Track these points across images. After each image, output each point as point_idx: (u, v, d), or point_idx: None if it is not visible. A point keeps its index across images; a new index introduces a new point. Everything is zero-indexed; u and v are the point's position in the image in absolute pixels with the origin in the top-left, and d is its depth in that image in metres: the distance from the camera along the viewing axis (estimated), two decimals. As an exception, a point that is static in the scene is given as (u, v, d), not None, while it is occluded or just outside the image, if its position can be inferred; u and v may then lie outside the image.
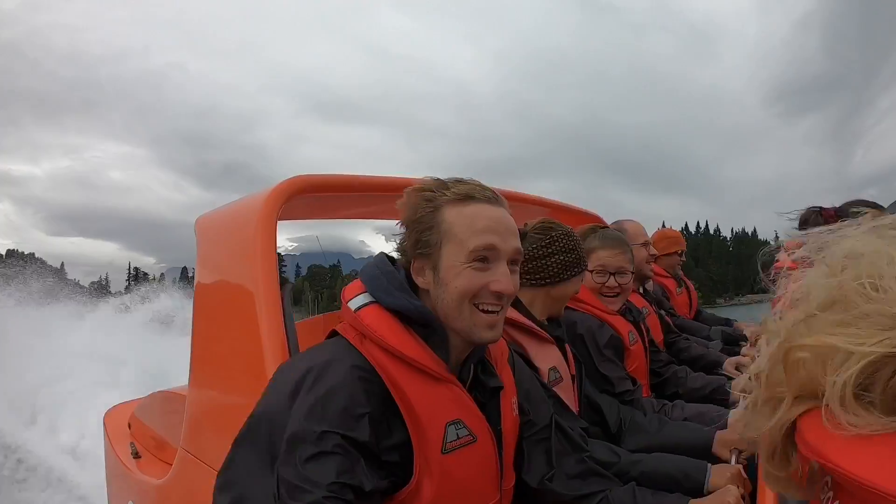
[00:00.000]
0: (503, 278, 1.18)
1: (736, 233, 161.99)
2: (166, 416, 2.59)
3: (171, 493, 2.13)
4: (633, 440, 1.85)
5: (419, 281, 1.22)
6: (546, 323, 1.86)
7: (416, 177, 1.38)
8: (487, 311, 1.18)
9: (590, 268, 2.22)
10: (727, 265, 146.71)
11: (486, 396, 1.27)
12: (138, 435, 2.86)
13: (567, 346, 1.92)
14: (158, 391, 2.85)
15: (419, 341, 1.17)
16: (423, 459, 1.11)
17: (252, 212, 1.74)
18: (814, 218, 2.28)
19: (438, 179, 1.25)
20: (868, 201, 2.25)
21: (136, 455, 2.71)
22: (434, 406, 1.14)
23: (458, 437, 1.16)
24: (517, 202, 2.90)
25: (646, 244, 3.00)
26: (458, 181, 1.24)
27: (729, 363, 2.71)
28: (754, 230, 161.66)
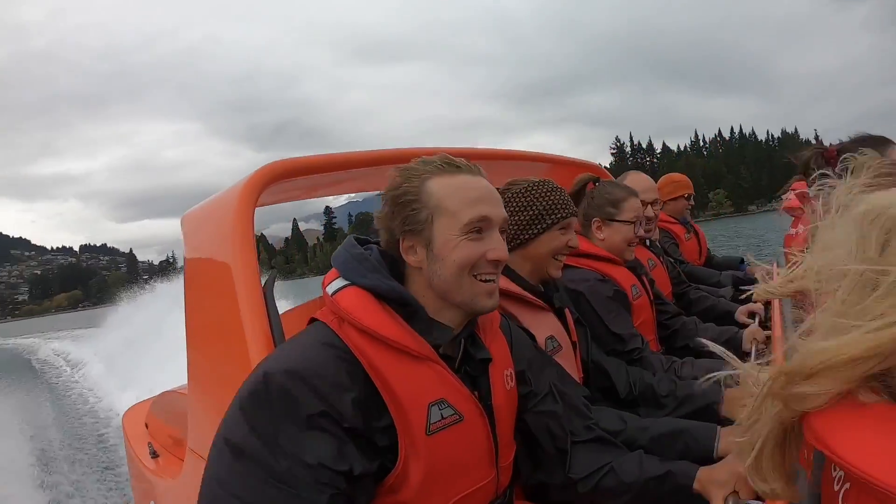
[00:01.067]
0: (499, 246, 1.19)
1: (774, 136, 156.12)
2: (179, 414, 2.58)
3: (185, 491, 2.10)
4: (646, 413, 1.77)
5: (410, 260, 1.19)
6: (541, 289, 1.79)
7: (400, 147, 1.34)
8: (486, 280, 1.19)
9: (627, 218, 2.21)
10: (761, 170, 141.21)
11: (477, 371, 1.24)
12: (155, 434, 2.88)
13: (567, 313, 1.86)
14: (171, 389, 2.87)
15: (398, 320, 1.14)
16: (408, 442, 1.09)
17: (229, 204, 1.71)
18: (815, 159, 2.17)
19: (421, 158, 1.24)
20: (876, 136, 2.12)
21: (155, 455, 2.72)
22: (415, 387, 1.11)
23: (443, 418, 1.13)
24: (518, 160, 2.82)
25: (655, 201, 2.89)
26: (445, 156, 1.22)
27: (741, 312, 2.64)
28: (795, 130, 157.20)
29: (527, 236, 1.77)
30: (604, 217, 2.23)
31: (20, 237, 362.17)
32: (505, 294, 1.64)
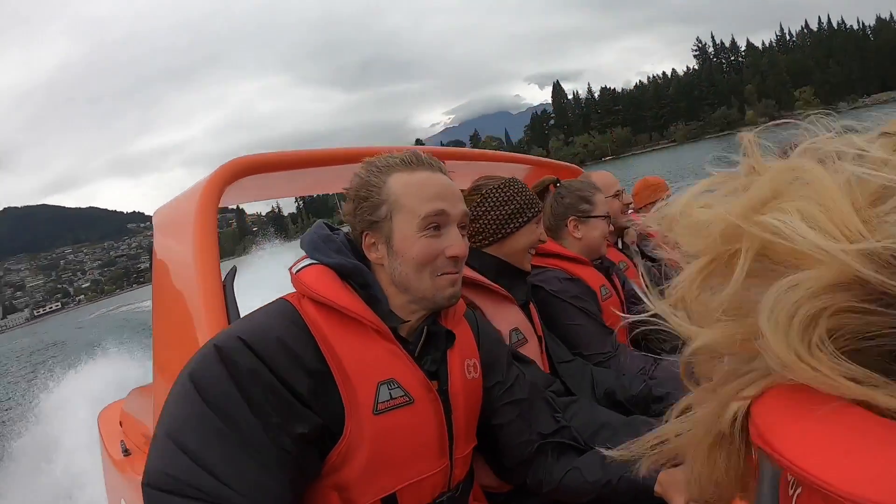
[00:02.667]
0: (457, 242, 1.20)
1: (866, 24, 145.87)
2: (150, 408, 2.55)
3: None
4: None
5: (372, 257, 1.20)
6: (507, 281, 1.80)
7: (365, 146, 1.36)
8: (445, 275, 1.20)
9: (601, 213, 2.23)
10: (852, 62, 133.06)
11: (439, 358, 1.24)
12: (129, 432, 2.82)
13: (532, 307, 1.86)
14: (148, 384, 2.82)
15: (357, 297, 1.15)
16: (354, 419, 1.08)
17: (192, 200, 1.71)
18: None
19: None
20: None
21: (126, 452, 2.66)
22: (366, 365, 1.10)
23: (392, 398, 1.12)
24: (493, 161, 2.85)
25: (618, 194, 2.88)
26: (407, 152, 1.24)
27: None
28: (891, 16, 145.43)
29: (507, 231, 1.79)
30: (579, 215, 2.23)
31: (133, 211, 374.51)
32: (470, 283, 1.65)
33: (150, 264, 2.05)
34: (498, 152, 2.93)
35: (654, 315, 0.45)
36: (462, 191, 1.36)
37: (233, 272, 1.66)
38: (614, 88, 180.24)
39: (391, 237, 1.17)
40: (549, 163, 3.16)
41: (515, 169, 2.96)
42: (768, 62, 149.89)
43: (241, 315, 1.49)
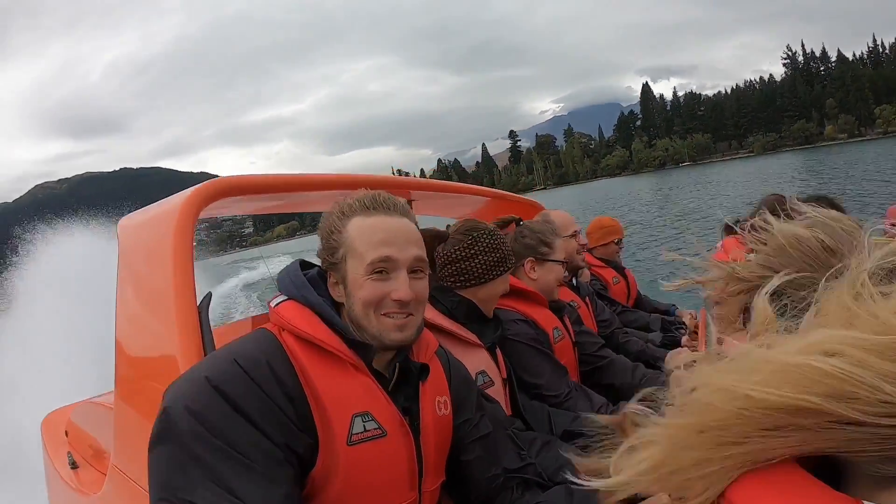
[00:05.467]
0: (402, 287, 1.23)
1: None
2: (103, 423, 2.51)
3: None
4: None
5: (335, 294, 1.27)
6: (476, 325, 1.85)
7: (341, 174, 1.38)
8: (392, 317, 1.23)
9: (559, 258, 2.29)
10: None
11: (411, 394, 1.29)
12: (75, 443, 2.77)
13: (498, 350, 1.91)
14: (96, 396, 2.83)
15: (330, 330, 1.20)
16: (328, 449, 1.13)
17: (169, 219, 1.71)
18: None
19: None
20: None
21: (74, 465, 2.62)
22: (342, 397, 1.16)
23: (366, 430, 1.17)
24: (457, 192, 2.81)
25: (575, 234, 2.97)
26: (368, 195, 1.29)
27: (669, 358, 2.60)
28: None
29: (490, 276, 1.84)
30: (537, 257, 2.27)
31: None
32: (437, 329, 1.69)
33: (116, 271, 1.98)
34: (461, 184, 2.95)
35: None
36: (433, 231, 1.51)
37: (208, 298, 1.65)
38: (700, 94, 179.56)
39: (346, 278, 1.24)
40: (510, 196, 3.22)
41: (476, 201, 2.93)
42: (851, 76, 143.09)
43: (214, 339, 1.55)
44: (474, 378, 1.68)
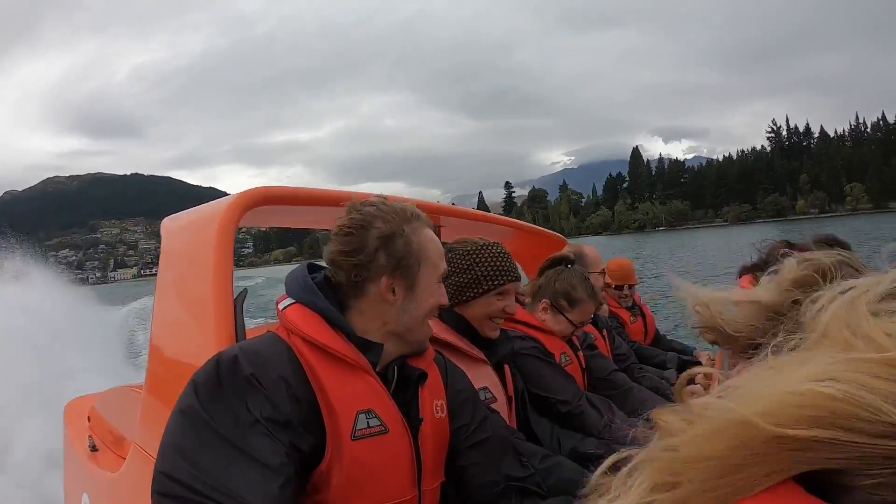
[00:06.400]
0: (445, 294, 1.40)
1: None
2: (125, 412, 2.60)
3: (124, 487, 2.16)
4: None
5: (388, 297, 1.30)
6: (482, 342, 1.87)
7: (381, 193, 1.49)
8: (430, 324, 1.38)
9: (574, 319, 2.26)
10: None
11: (409, 396, 1.35)
12: (97, 429, 2.87)
13: (507, 368, 1.93)
14: (120, 386, 2.91)
15: (336, 333, 1.25)
16: (333, 444, 1.18)
17: (212, 221, 1.78)
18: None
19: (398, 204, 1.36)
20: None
21: (94, 448, 2.72)
22: (347, 394, 1.22)
23: (369, 426, 1.23)
24: (484, 222, 2.94)
25: (603, 272, 3.03)
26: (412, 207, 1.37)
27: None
28: None
29: (465, 297, 1.85)
30: (554, 305, 2.27)
31: None
32: (442, 343, 1.72)
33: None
34: (490, 214, 3.06)
35: None
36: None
37: (243, 294, 1.73)
38: (684, 161, 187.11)
39: (415, 285, 1.32)
40: (537, 230, 3.28)
41: (503, 231, 3.05)
42: (825, 153, 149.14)
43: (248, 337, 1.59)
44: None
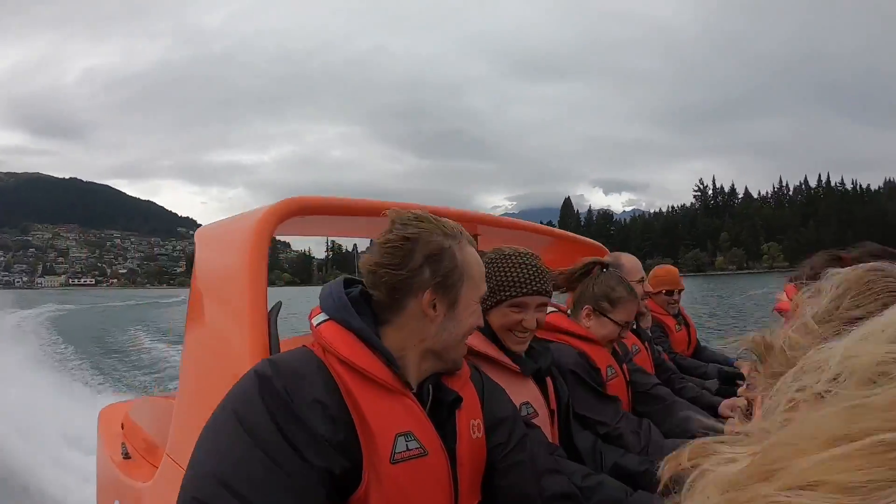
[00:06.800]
0: (482, 316, 1.37)
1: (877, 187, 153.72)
2: (159, 420, 2.57)
3: (155, 497, 2.13)
4: None
5: (429, 313, 1.26)
6: (522, 356, 1.82)
7: (416, 203, 1.52)
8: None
9: (619, 319, 2.23)
10: (829, 226, 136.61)
11: (444, 416, 1.30)
12: (130, 436, 2.86)
13: (549, 381, 1.89)
14: (153, 395, 2.84)
15: (373, 355, 1.21)
16: (371, 468, 1.14)
17: (246, 232, 1.77)
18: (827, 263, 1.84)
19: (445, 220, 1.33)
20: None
21: (127, 456, 2.71)
22: (385, 416, 1.18)
23: (408, 449, 1.19)
24: (523, 230, 2.98)
25: (641, 280, 2.98)
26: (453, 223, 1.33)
27: (724, 406, 2.64)
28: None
29: (484, 306, 1.75)
30: (596, 309, 2.25)
31: (187, 217, 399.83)
32: (482, 357, 1.70)
33: (190, 276, 2.07)
34: (529, 223, 3.03)
35: None
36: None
37: (278, 306, 1.70)
38: (612, 215, 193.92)
39: (457, 301, 1.27)
40: (577, 238, 3.27)
41: (541, 240, 3.08)
42: (746, 213, 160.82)
43: (282, 349, 1.57)
44: (518, 409, 1.64)
